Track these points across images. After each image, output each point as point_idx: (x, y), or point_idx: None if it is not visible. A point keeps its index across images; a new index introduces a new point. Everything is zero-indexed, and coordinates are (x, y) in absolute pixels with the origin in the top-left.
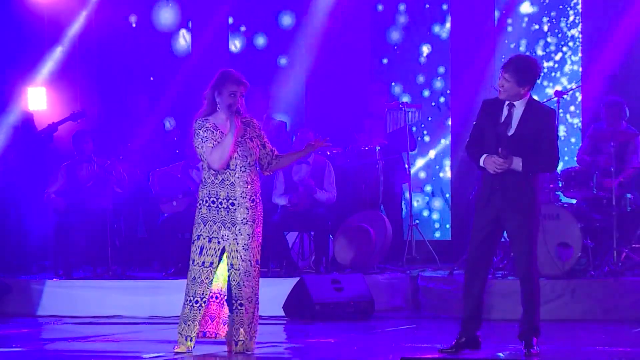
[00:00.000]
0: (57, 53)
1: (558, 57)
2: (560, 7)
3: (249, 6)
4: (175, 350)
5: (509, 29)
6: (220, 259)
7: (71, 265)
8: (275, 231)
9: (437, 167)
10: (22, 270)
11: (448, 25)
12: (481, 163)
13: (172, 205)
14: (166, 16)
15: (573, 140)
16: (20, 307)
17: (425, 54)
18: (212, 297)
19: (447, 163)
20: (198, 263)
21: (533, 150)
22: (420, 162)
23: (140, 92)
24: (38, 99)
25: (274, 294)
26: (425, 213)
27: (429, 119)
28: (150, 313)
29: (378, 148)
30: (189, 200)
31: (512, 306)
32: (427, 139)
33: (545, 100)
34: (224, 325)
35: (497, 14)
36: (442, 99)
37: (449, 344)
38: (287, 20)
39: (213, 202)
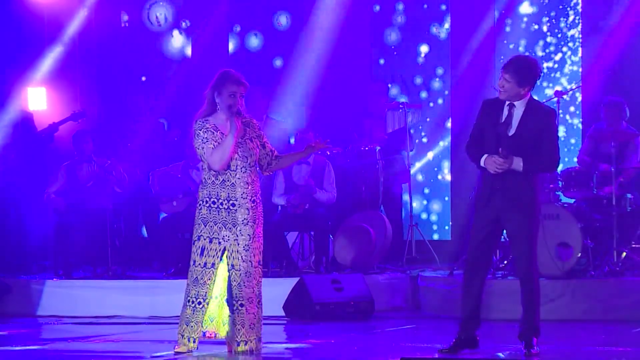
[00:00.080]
0: (56, 52)
1: (558, 57)
2: (560, 7)
3: (244, 6)
4: (176, 350)
5: (508, 29)
6: (220, 260)
7: (71, 265)
8: (275, 231)
9: (435, 169)
10: (22, 270)
11: (446, 25)
12: (482, 163)
13: (172, 205)
14: (160, 15)
15: (573, 141)
16: (20, 307)
17: (423, 55)
18: (212, 297)
19: (446, 165)
20: (200, 264)
21: (533, 150)
22: (418, 164)
23: (140, 92)
24: (38, 99)
25: (274, 294)
26: (424, 216)
27: (428, 119)
28: (150, 313)
29: (378, 148)
30: (189, 200)
31: (512, 306)
32: (425, 140)
33: (545, 100)
34: (224, 325)
35: (496, 14)
36: (440, 100)
37: (448, 344)
38: (283, 20)
39: (213, 202)
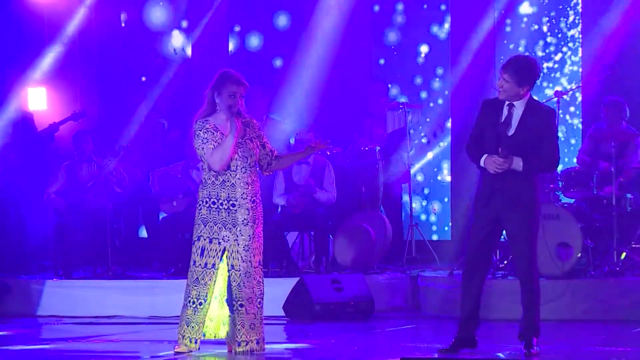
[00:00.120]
0: (56, 52)
1: (558, 57)
2: (560, 7)
3: (244, 6)
4: (176, 350)
5: (508, 29)
6: (221, 260)
7: (71, 265)
8: (275, 231)
9: (435, 169)
10: (22, 270)
11: (446, 25)
12: (481, 163)
13: (172, 205)
14: (158, 15)
15: (573, 141)
16: (20, 307)
17: (423, 55)
18: (212, 297)
19: (445, 166)
20: (200, 265)
21: (533, 150)
22: (417, 165)
23: (140, 92)
24: (38, 99)
25: (274, 294)
26: (423, 217)
27: (427, 119)
28: (150, 313)
29: (378, 148)
30: (189, 200)
31: (512, 306)
32: (424, 140)
33: (545, 100)
34: (224, 325)
35: (496, 14)
36: (440, 101)
37: (447, 344)
38: (282, 20)
39: (213, 203)
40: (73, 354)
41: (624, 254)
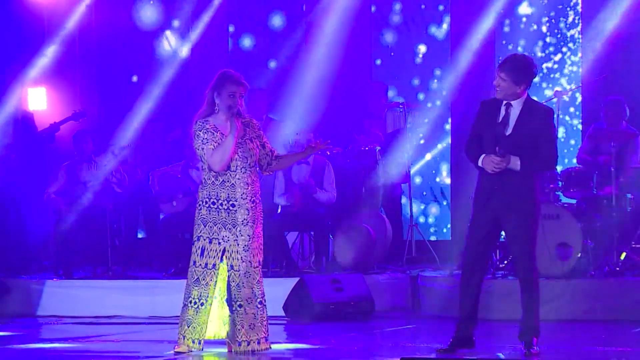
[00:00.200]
0: (56, 51)
1: (557, 57)
2: (560, 7)
3: (238, 6)
4: (176, 350)
5: (507, 29)
6: (221, 260)
7: (71, 265)
8: (275, 231)
9: (433, 171)
10: (22, 270)
11: (445, 26)
12: (479, 163)
13: (172, 205)
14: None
15: (572, 142)
16: (20, 307)
17: (421, 55)
18: (213, 297)
19: (444, 167)
20: (200, 265)
21: (531, 149)
22: (416, 166)
23: (140, 92)
24: (38, 98)
25: (274, 294)
26: (422, 219)
27: (425, 120)
28: (150, 313)
29: (378, 148)
30: (189, 200)
31: (512, 306)
32: (422, 142)
33: (544, 101)
34: (224, 325)
35: (495, 14)
36: (438, 102)
37: (446, 344)
38: (277, 21)
39: (213, 203)
40: (73, 354)
41: (624, 254)
